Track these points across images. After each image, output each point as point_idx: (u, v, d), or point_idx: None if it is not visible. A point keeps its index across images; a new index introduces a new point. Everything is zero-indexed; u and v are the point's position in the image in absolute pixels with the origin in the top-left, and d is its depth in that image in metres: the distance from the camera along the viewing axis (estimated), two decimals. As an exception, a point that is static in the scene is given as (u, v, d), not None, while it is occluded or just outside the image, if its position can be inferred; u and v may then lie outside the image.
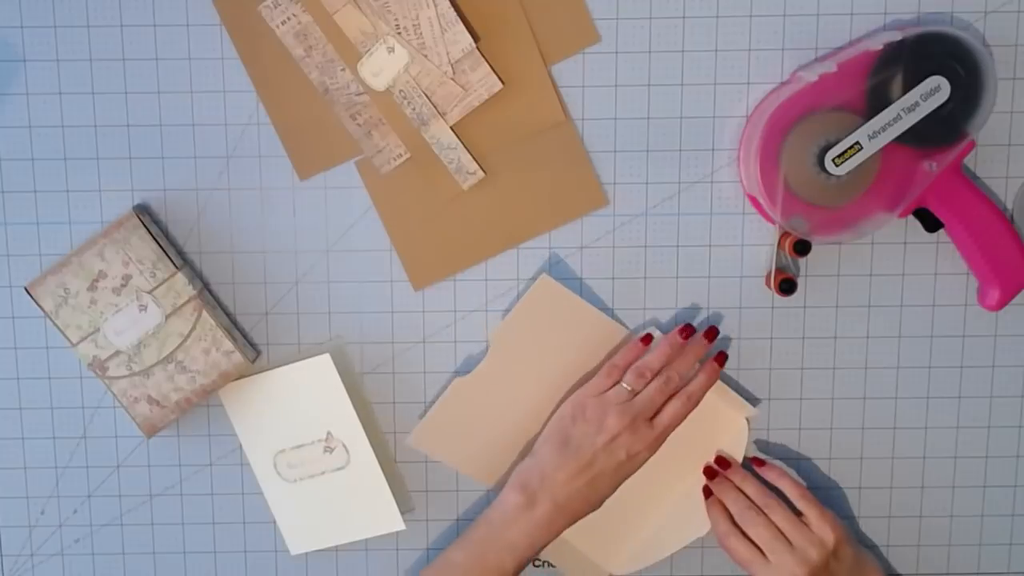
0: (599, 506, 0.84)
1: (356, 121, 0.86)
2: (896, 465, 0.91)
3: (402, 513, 0.89)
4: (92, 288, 0.84)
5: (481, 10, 0.84)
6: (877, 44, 0.82)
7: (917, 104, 0.82)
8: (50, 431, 0.90)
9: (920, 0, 0.86)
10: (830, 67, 0.82)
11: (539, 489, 0.82)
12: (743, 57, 0.86)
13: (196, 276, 0.88)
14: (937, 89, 0.82)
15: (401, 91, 0.85)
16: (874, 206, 0.84)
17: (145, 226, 0.85)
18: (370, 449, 0.88)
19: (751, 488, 0.87)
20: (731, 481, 0.88)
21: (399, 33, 0.83)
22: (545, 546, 0.83)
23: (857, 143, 0.82)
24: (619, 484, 0.84)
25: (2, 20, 0.86)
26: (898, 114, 0.82)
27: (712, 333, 0.87)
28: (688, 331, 0.86)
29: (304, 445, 0.88)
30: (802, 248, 0.85)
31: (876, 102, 0.82)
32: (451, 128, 0.86)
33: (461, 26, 0.83)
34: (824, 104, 0.82)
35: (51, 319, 0.84)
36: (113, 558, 0.92)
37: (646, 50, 0.86)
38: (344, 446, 0.88)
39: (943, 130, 0.83)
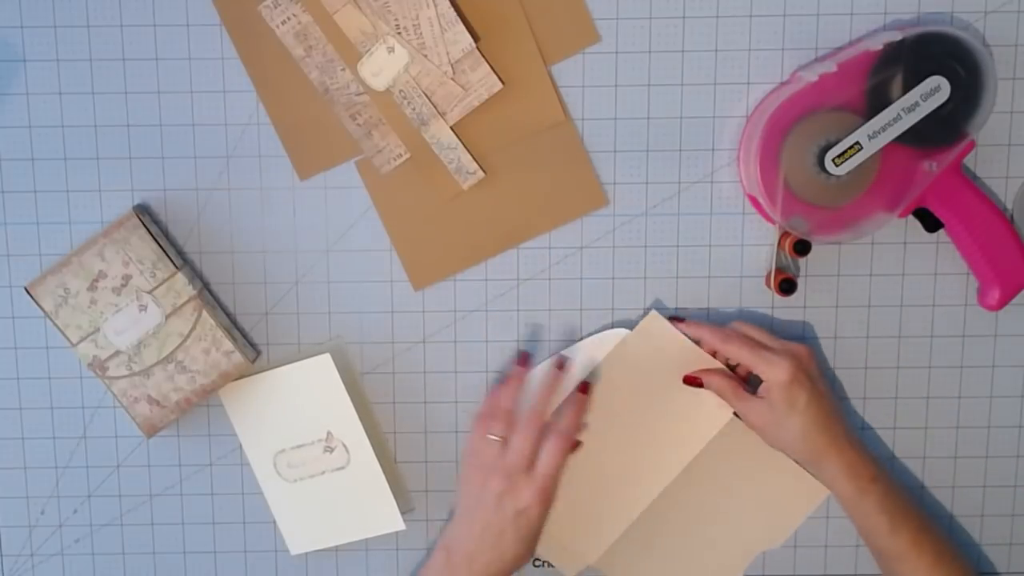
0: (525, 558, 0.82)
1: (356, 121, 0.86)
2: (896, 465, 0.91)
3: (402, 513, 0.89)
4: (92, 288, 0.84)
5: (481, 10, 0.84)
6: (877, 44, 0.82)
7: (917, 104, 0.82)
8: (50, 431, 0.90)
9: (920, 0, 0.86)
10: (830, 67, 0.82)
11: (455, 552, 0.82)
12: (743, 57, 0.86)
13: (196, 276, 0.88)
14: (937, 89, 0.82)
15: (401, 91, 0.85)
16: (874, 206, 0.84)
17: (145, 226, 0.85)
18: (370, 449, 0.88)
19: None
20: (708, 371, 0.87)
21: (399, 33, 0.83)
22: None
23: (857, 143, 0.82)
24: (530, 536, 0.82)
25: (2, 20, 0.86)
26: (898, 114, 0.82)
27: (560, 362, 0.86)
28: (525, 359, 0.86)
29: (304, 445, 0.88)
30: (802, 248, 0.85)
31: (876, 102, 0.82)
32: (451, 128, 0.86)
33: (461, 26, 0.83)
34: (824, 104, 0.82)
35: (51, 319, 0.84)
36: (113, 558, 0.92)
37: (646, 50, 0.86)
38: (344, 446, 0.88)
39: (943, 130, 0.83)
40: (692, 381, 0.87)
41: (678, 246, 0.89)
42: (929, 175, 0.84)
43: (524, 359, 0.87)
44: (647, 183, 0.88)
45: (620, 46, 0.86)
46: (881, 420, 0.91)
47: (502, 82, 0.85)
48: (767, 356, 0.82)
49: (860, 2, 0.86)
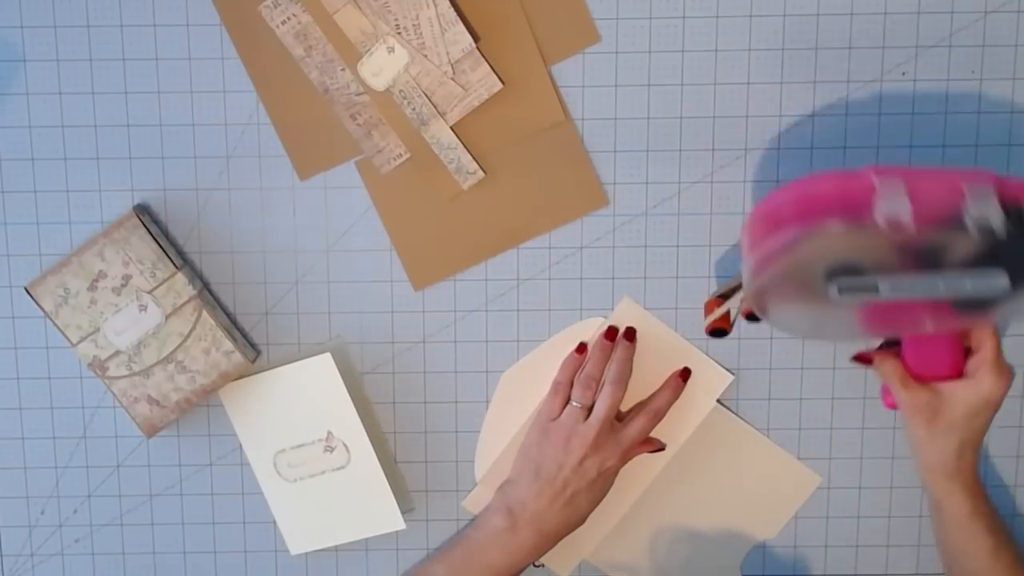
0: (583, 521, 0.85)
1: (356, 121, 0.86)
2: (896, 465, 0.91)
3: (402, 513, 0.89)
4: (92, 288, 0.84)
5: (481, 10, 0.84)
6: (970, 223, 0.67)
7: (964, 285, 0.69)
8: (50, 431, 0.91)
9: (920, 1, 0.86)
10: (906, 216, 0.67)
11: (521, 516, 0.83)
12: (743, 57, 0.86)
13: (196, 276, 0.88)
14: (995, 283, 0.69)
15: (401, 91, 0.85)
16: (853, 324, 0.76)
17: (145, 226, 0.85)
18: (371, 448, 0.88)
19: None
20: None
21: (399, 33, 0.83)
22: (526, 567, 0.84)
23: (876, 286, 0.70)
24: (599, 498, 0.85)
25: (2, 20, 0.86)
26: (939, 285, 0.69)
27: (630, 334, 0.88)
28: (612, 333, 0.87)
29: (304, 445, 0.88)
30: (753, 320, 0.79)
31: (921, 257, 0.69)
32: (451, 128, 0.86)
33: (461, 26, 0.83)
34: (865, 220, 0.68)
35: (51, 319, 0.84)
36: (113, 558, 0.92)
37: (646, 50, 0.86)
38: (344, 446, 0.88)
39: (972, 308, 0.73)
40: (862, 359, 0.83)
41: (678, 246, 0.89)
42: (927, 327, 0.75)
43: (611, 333, 0.87)
44: (647, 183, 0.88)
45: (620, 46, 0.86)
46: (881, 421, 0.91)
47: (502, 82, 0.85)
48: (1002, 363, 0.76)
49: (860, 2, 0.86)
